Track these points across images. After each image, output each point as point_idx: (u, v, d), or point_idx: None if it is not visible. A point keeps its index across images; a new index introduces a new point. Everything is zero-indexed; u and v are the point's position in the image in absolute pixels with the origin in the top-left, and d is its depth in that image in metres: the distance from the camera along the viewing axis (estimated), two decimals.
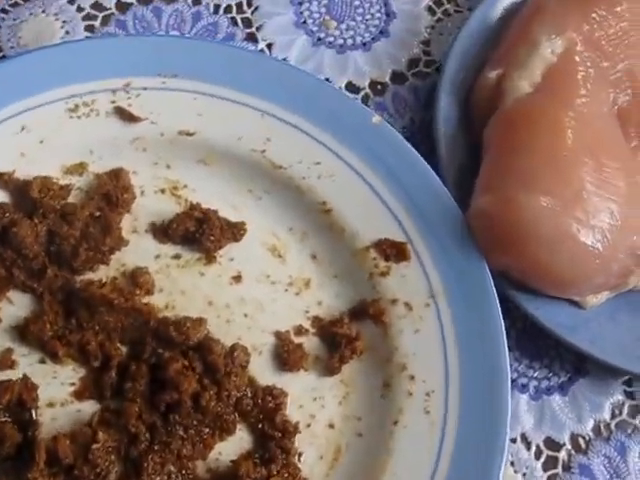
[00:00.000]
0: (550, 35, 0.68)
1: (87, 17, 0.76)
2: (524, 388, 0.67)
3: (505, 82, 0.69)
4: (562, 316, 0.65)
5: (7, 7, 0.75)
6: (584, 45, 0.68)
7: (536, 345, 0.68)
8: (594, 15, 0.69)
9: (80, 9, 0.76)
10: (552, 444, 0.66)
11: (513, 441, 0.65)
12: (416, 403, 0.62)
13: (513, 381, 0.67)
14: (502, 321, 0.62)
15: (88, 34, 0.75)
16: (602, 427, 0.66)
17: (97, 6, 0.76)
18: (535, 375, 0.68)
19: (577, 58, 0.67)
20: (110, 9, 0.76)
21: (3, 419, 0.59)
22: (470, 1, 0.80)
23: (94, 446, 0.59)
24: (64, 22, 0.75)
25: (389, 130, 0.68)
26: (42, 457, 0.57)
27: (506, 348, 0.61)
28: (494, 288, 0.63)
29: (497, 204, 0.63)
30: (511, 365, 0.67)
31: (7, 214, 0.64)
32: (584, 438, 0.66)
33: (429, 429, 0.60)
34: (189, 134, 0.67)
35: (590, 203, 0.62)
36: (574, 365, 0.68)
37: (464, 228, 0.65)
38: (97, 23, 0.76)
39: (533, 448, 0.65)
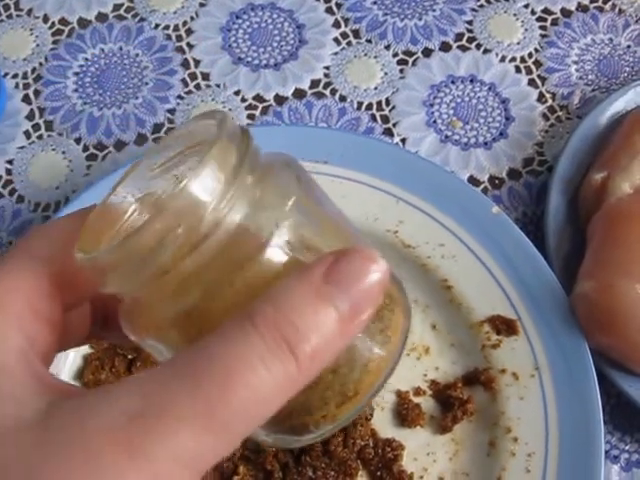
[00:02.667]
0: None
1: (249, 107, 0.84)
2: (616, 459, 0.70)
3: (609, 183, 0.72)
4: None
5: (183, 94, 0.84)
6: None
7: (628, 420, 0.70)
8: None
9: (244, 100, 0.84)
10: None
11: None
12: (518, 462, 0.65)
13: (606, 452, 0.69)
14: (598, 394, 0.65)
15: (249, 121, 0.83)
16: None
17: (258, 98, 0.84)
18: (627, 448, 0.70)
19: None
20: (269, 101, 0.84)
21: None
22: (580, 109, 0.85)
23: (235, 478, 0.64)
24: (230, 109, 0.83)
25: (506, 220, 0.72)
26: None
27: (601, 418, 0.64)
28: (593, 365, 0.66)
29: (598, 290, 0.67)
30: (605, 437, 0.67)
31: None
32: None
33: None
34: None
35: None
36: None
37: (568, 310, 0.68)
38: (257, 112, 0.84)
39: None
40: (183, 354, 0.29)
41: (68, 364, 0.69)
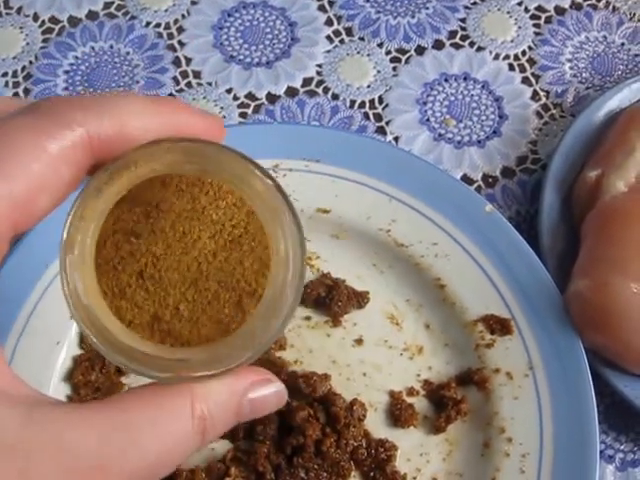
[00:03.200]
0: None
1: (241, 105, 0.83)
2: (610, 459, 0.69)
3: (603, 181, 0.72)
4: None
5: (174, 92, 0.83)
6: None
7: (623, 420, 0.70)
8: None
9: (236, 98, 0.83)
10: None
11: None
12: (512, 463, 0.64)
13: (601, 452, 0.68)
14: (593, 393, 0.64)
15: (241, 120, 0.82)
16: None
17: (250, 96, 0.84)
18: (621, 448, 0.70)
19: None
20: (261, 99, 0.84)
21: None
22: (574, 107, 0.85)
23: (226, 479, 0.64)
24: (222, 108, 0.83)
25: (499, 218, 0.71)
26: None
27: (596, 418, 0.64)
28: (587, 364, 0.65)
29: (592, 288, 0.67)
30: (599, 437, 0.67)
31: None
32: None
33: None
34: (325, 211, 0.73)
35: None
36: None
37: (562, 308, 0.68)
38: (249, 111, 0.83)
39: None
40: (134, 407, 0.37)
41: (58, 365, 0.68)
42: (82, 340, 0.69)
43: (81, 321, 0.36)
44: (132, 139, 0.37)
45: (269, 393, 0.42)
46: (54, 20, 0.87)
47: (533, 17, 0.90)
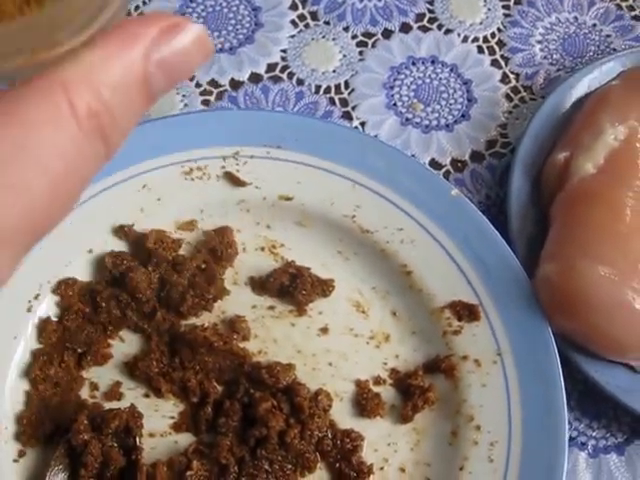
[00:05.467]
0: (614, 123, 0.71)
1: (204, 92, 0.82)
2: (583, 446, 0.69)
3: (571, 163, 0.71)
4: (620, 379, 0.66)
5: None
6: None
7: (596, 406, 0.69)
8: None
9: (198, 85, 0.82)
10: None
11: None
12: (481, 451, 0.64)
13: (573, 439, 0.69)
14: (562, 379, 0.64)
15: (204, 107, 0.81)
16: None
17: (213, 83, 0.82)
18: (594, 434, 0.69)
19: (638, 144, 0.70)
20: (224, 86, 0.82)
21: (110, 444, 0.63)
22: (544, 90, 0.84)
23: (188, 473, 0.62)
24: (183, 96, 0.81)
25: (465, 202, 0.70)
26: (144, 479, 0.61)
27: (565, 404, 0.63)
28: (556, 349, 0.65)
29: (560, 272, 0.66)
30: (572, 424, 0.69)
31: (125, 262, 0.69)
32: None
33: (492, 476, 0.62)
34: (288, 199, 0.71)
35: None
36: (630, 427, 0.69)
37: (530, 293, 0.67)
38: (212, 98, 0.81)
39: None
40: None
41: (16, 360, 0.67)
42: (40, 334, 0.67)
43: None
44: None
45: (185, 42, 0.29)
46: None
47: None
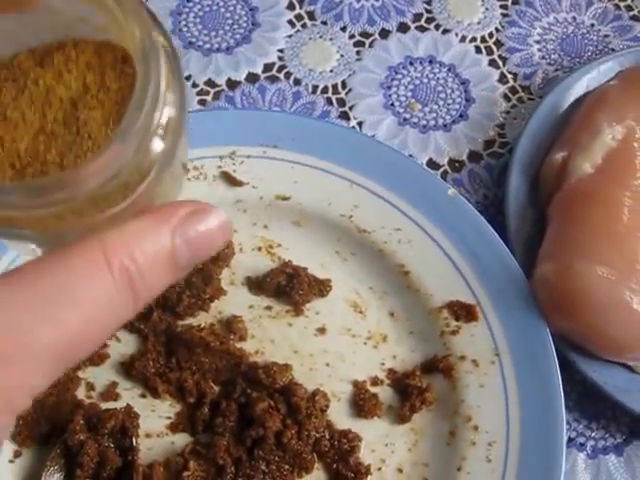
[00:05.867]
0: (611, 123, 0.71)
1: (201, 92, 0.81)
2: (582, 447, 0.69)
3: (569, 163, 0.71)
4: (618, 380, 0.66)
5: None
6: None
7: (594, 407, 0.69)
8: None
9: (195, 85, 0.81)
10: None
11: None
12: (479, 452, 0.64)
13: (572, 440, 0.68)
14: (560, 379, 0.63)
15: (200, 107, 0.80)
16: None
17: (210, 83, 0.82)
18: (593, 435, 0.69)
19: (635, 144, 0.70)
20: (221, 86, 0.82)
21: (106, 444, 0.62)
22: (542, 90, 0.83)
23: (185, 473, 0.62)
24: None
25: (463, 202, 0.70)
26: None
27: (563, 404, 0.63)
28: (554, 349, 0.64)
29: (557, 272, 0.66)
30: (570, 425, 0.69)
31: None
32: None
33: (490, 476, 0.62)
34: (285, 198, 0.71)
35: None
36: (629, 427, 0.69)
37: (528, 293, 0.67)
38: (209, 98, 0.81)
39: None
40: (37, 275, 0.31)
41: None
42: None
43: None
44: None
45: (210, 226, 0.35)
46: None
47: None
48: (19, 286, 0.31)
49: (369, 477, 0.65)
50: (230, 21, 0.85)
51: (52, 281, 0.31)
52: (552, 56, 0.86)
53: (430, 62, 0.85)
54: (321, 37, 0.85)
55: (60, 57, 0.36)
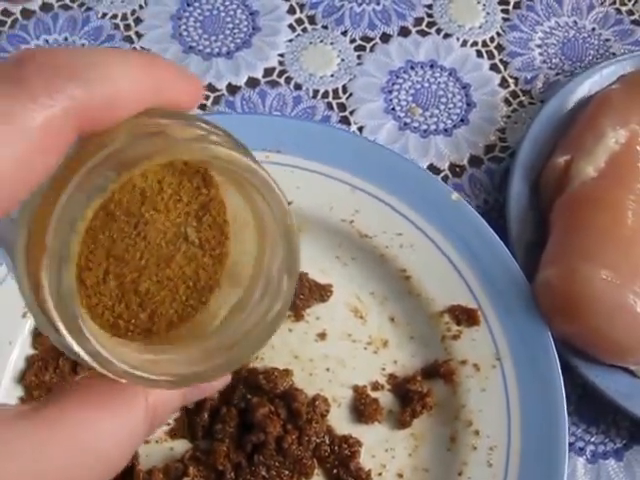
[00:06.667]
0: (615, 127, 0.71)
1: None
2: (581, 451, 0.68)
3: (572, 167, 0.71)
4: (620, 384, 0.66)
5: None
6: None
7: (594, 411, 0.69)
8: None
9: None
10: None
11: None
12: (480, 456, 0.63)
13: (571, 444, 0.68)
14: (562, 384, 0.63)
15: (200, 112, 0.79)
16: None
17: (210, 88, 0.81)
18: (592, 440, 0.68)
19: (638, 148, 0.70)
20: (221, 90, 0.81)
21: None
22: (543, 94, 0.83)
23: (185, 479, 0.62)
24: None
25: (466, 207, 0.70)
26: None
27: (565, 409, 0.63)
28: (556, 354, 0.64)
29: (561, 276, 0.65)
30: (570, 429, 0.67)
31: None
32: None
33: None
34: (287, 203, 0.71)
35: None
36: (629, 432, 0.68)
37: (530, 298, 0.66)
38: (209, 103, 0.81)
39: None
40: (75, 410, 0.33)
41: (10, 366, 0.66)
42: (35, 340, 0.67)
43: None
44: (123, 108, 0.31)
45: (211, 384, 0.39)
46: (6, 13, 0.84)
47: (502, 2, 0.89)
48: (63, 410, 0.32)
49: None
50: (230, 25, 0.85)
51: (95, 412, 0.33)
52: (553, 60, 0.86)
53: (431, 66, 0.84)
54: (322, 41, 0.85)
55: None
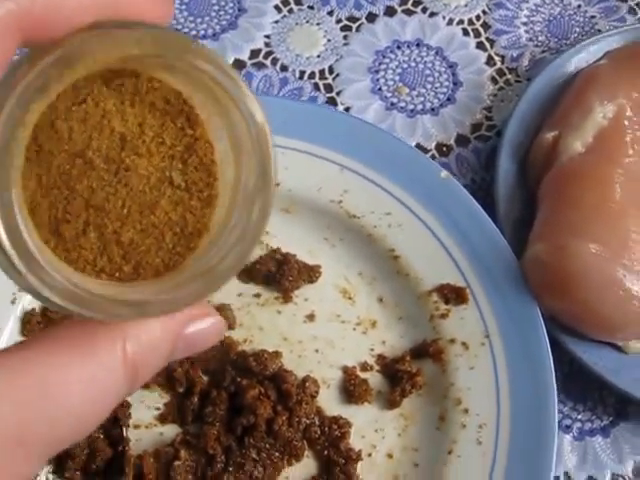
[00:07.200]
0: (602, 101, 0.71)
1: None
2: (568, 429, 0.68)
3: (560, 143, 0.71)
4: (607, 360, 0.65)
5: None
6: (633, 110, 0.70)
7: (581, 388, 0.69)
8: None
9: None
10: None
11: (557, 479, 0.66)
12: (469, 435, 0.63)
13: (558, 422, 0.66)
14: (551, 360, 0.63)
15: None
16: None
17: None
18: (579, 417, 0.68)
19: (626, 122, 0.70)
20: None
21: (97, 434, 0.62)
22: (529, 72, 0.83)
23: (176, 463, 0.62)
24: None
25: (454, 184, 0.70)
26: (132, 471, 0.61)
27: (554, 385, 0.62)
28: (545, 330, 0.64)
29: (549, 251, 0.65)
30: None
31: None
32: (624, 478, 0.67)
33: (481, 459, 0.62)
34: (275, 185, 0.71)
35: (636, 251, 0.64)
36: (616, 409, 0.68)
37: (519, 275, 0.66)
38: None
39: None
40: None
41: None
42: (24, 327, 0.67)
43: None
44: (69, 16, 0.30)
45: (206, 326, 0.37)
46: None
47: None
48: (35, 362, 0.30)
49: (359, 463, 0.64)
50: (216, 7, 0.85)
51: (66, 364, 0.31)
52: (539, 38, 0.85)
53: (417, 45, 0.84)
54: (308, 22, 0.85)
55: (130, 85, 0.33)
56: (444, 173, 0.70)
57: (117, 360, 0.31)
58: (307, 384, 0.66)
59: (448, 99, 0.82)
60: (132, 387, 0.33)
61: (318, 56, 0.83)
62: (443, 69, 0.83)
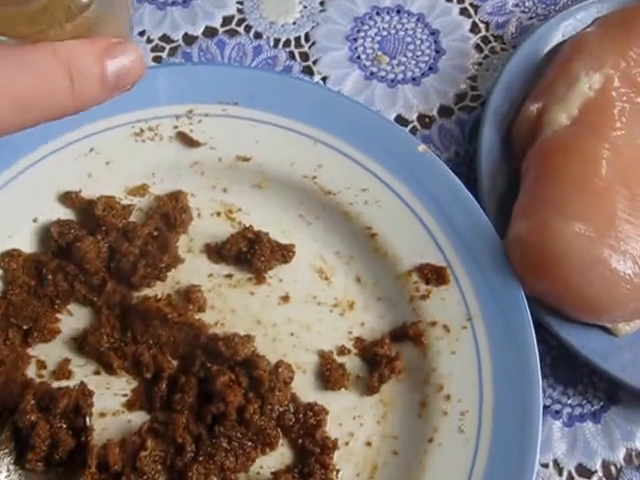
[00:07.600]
0: (588, 72, 0.68)
1: (155, 48, 0.77)
2: (557, 414, 0.66)
3: (545, 115, 0.68)
4: (595, 343, 0.63)
5: None
6: (620, 81, 0.68)
7: (570, 373, 0.67)
8: (631, 53, 0.69)
9: (149, 40, 0.78)
10: (584, 471, 0.65)
11: (545, 466, 0.64)
12: (451, 422, 0.61)
13: (547, 407, 0.66)
14: (535, 343, 0.61)
15: (155, 64, 0.76)
16: (633, 455, 0.65)
17: (165, 38, 0.78)
18: (569, 402, 0.66)
19: (613, 93, 0.67)
20: (177, 41, 0.78)
21: (59, 425, 0.60)
22: (516, 39, 0.80)
23: (142, 453, 0.59)
24: None
25: (434, 159, 0.67)
26: (94, 462, 0.58)
27: (539, 369, 0.60)
28: (529, 312, 0.62)
29: (532, 230, 0.63)
30: (545, 392, 0.66)
31: (72, 231, 0.66)
32: (615, 466, 0.65)
33: (463, 447, 0.60)
34: (246, 159, 0.68)
35: (622, 230, 0.62)
36: (607, 393, 0.67)
37: (502, 254, 0.64)
38: (164, 54, 0.77)
39: (565, 474, 0.64)
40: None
41: None
42: None
43: None
44: None
45: (132, 59, 0.43)
46: None
47: None
48: None
49: (336, 452, 0.62)
50: None
51: (10, 53, 0.38)
52: (526, 3, 0.82)
53: (398, 12, 0.81)
54: None
55: None
56: (422, 147, 0.68)
57: (47, 53, 0.39)
58: (280, 370, 0.63)
59: (430, 68, 0.79)
60: (72, 89, 0.40)
61: (294, 23, 0.80)
62: (425, 37, 0.80)
